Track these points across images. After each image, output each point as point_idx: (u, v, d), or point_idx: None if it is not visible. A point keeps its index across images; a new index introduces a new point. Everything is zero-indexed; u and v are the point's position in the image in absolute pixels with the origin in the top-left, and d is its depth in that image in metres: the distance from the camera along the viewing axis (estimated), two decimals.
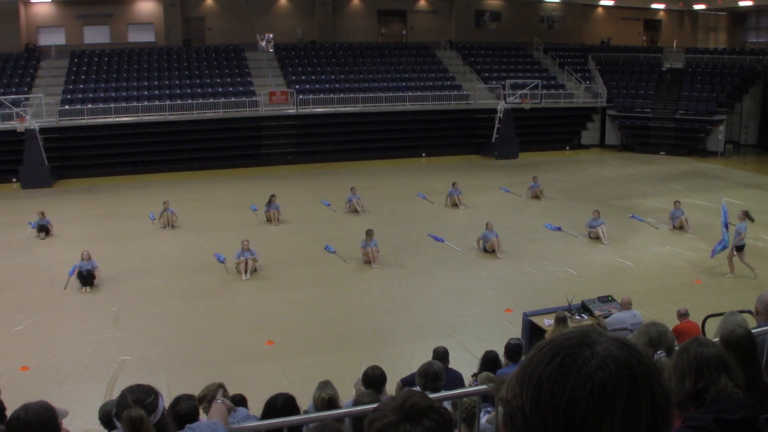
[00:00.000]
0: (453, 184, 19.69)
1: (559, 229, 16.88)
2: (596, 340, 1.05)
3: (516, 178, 22.27)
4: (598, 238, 15.86)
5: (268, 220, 17.77)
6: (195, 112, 26.55)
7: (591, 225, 16.09)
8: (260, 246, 14.61)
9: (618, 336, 1.09)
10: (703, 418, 2.05)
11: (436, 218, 18.19)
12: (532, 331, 9.50)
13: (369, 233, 14.42)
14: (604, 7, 38.21)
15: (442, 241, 15.94)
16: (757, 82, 31.25)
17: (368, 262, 14.28)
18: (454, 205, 19.44)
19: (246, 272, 13.65)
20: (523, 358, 1.17)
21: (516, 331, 9.80)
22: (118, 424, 2.82)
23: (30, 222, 17.42)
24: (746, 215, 13.22)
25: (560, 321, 8.60)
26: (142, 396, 2.89)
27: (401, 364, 8.73)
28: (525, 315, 9.84)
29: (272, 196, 18.01)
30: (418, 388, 5.15)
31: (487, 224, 15.30)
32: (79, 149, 25.41)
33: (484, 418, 5.06)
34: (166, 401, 3.24)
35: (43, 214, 16.75)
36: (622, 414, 0.99)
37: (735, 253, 13.19)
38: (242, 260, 13.75)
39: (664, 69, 32.67)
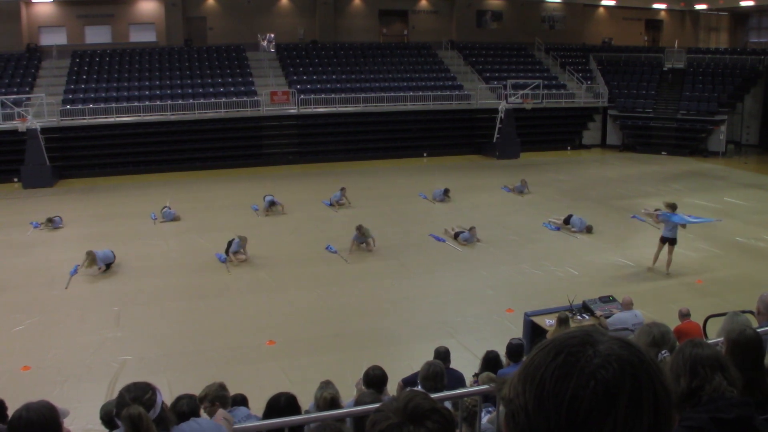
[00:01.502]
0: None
1: (559, 229, 16.89)
2: (599, 339, 1.06)
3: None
4: (590, 231, 16.49)
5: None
6: (196, 112, 26.54)
7: (574, 224, 16.85)
8: (260, 246, 14.65)
9: (620, 336, 1.10)
10: (699, 418, 2.04)
11: (437, 218, 18.16)
12: (534, 331, 9.48)
13: (360, 229, 14.97)
14: (606, 7, 38.17)
15: (443, 241, 15.92)
16: (758, 82, 31.21)
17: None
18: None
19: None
20: (526, 357, 1.17)
21: (517, 331, 9.80)
22: (119, 423, 2.83)
23: (32, 222, 17.44)
24: (669, 206, 13.49)
25: (562, 322, 8.57)
26: (139, 393, 2.89)
27: (402, 364, 8.71)
28: (526, 315, 9.83)
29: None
30: (419, 388, 5.15)
31: None
32: (81, 149, 25.41)
33: (485, 418, 5.06)
34: (167, 401, 3.25)
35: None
36: (624, 413, 0.99)
37: (662, 244, 13.37)
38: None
39: (665, 69, 32.64)
